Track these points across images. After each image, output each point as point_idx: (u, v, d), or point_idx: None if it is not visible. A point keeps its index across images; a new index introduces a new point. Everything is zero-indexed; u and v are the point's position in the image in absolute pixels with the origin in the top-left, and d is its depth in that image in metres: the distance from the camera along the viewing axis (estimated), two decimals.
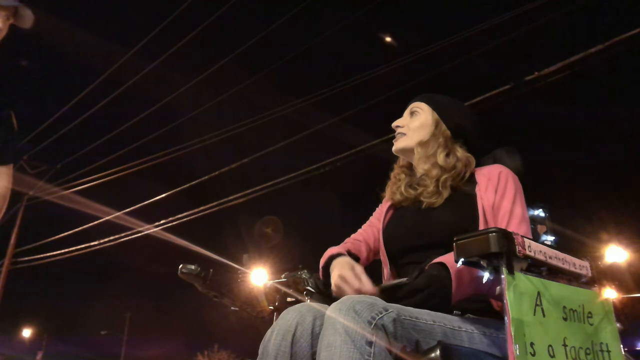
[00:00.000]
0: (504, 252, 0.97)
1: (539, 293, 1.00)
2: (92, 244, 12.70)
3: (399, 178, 1.64)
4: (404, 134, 1.64)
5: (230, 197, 9.96)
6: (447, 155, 1.55)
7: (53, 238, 13.86)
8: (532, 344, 0.93)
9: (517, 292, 0.95)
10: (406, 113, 1.68)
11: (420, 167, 1.59)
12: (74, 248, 13.24)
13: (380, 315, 1.07)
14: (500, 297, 0.95)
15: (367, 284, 1.34)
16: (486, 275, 0.99)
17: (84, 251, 13.01)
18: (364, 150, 7.98)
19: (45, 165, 14.24)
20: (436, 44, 7.49)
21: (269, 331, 1.26)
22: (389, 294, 1.34)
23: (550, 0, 6.48)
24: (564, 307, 1.05)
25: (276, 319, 1.30)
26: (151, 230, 11.37)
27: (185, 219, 10.74)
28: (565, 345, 1.01)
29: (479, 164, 1.60)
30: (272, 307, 1.71)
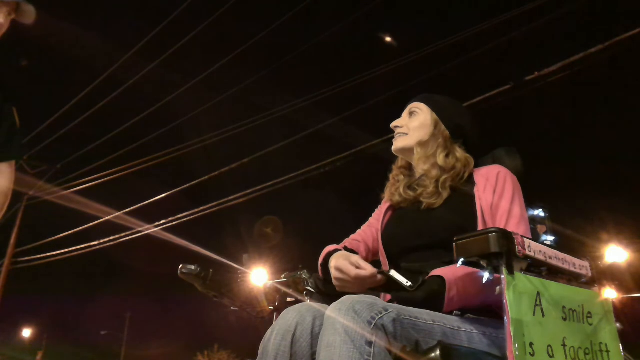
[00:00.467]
0: (503, 252, 0.97)
1: (538, 293, 1.00)
2: (92, 244, 12.71)
3: (398, 179, 1.64)
4: (404, 134, 1.64)
5: (230, 197, 9.96)
6: (447, 155, 1.55)
7: (53, 238, 13.87)
8: (531, 344, 0.94)
9: (516, 292, 0.96)
10: (405, 113, 1.67)
11: (420, 168, 1.59)
12: (74, 248, 13.25)
13: (380, 316, 1.07)
14: (500, 297, 0.95)
15: (366, 267, 1.34)
16: (486, 275, 0.99)
17: (84, 251, 13.03)
18: (364, 150, 7.98)
19: (45, 165, 14.24)
20: (436, 44, 7.50)
21: (269, 331, 1.26)
22: (387, 287, 1.36)
23: (550, 0, 6.48)
24: (564, 307, 1.05)
25: (276, 319, 1.30)
26: (151, 230, 11.38)
27: (185, 219, 10.74)
28: (564, 345, 1.01)
29: (478, 165, 1.60)
30: (272, 307, 1.71)
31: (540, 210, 1.65)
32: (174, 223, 10.83)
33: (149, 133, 11.26)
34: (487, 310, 1.31)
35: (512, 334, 0.91)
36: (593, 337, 1.09)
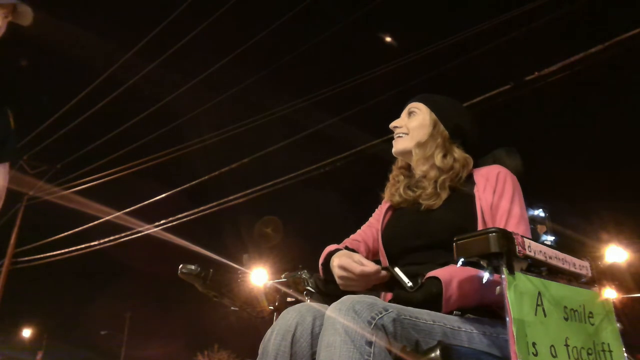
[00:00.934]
0: (504, 252, 0.96)
1: (539, 293, 1.00)
2: (92, 244, 12.72)
3: (398, 180, 1.64)
4: (404, 135, 1.63)
5: (230, 197, 9.97)
6: (445, 156, 1.54)
7: (53, 238, 13.87)
8: (534, 344, 0.93)
9: (517, 292, 0.95)
10: (404, 113, 1.67)
11: (419, 169, 1.59)
12: (74, 248, 13.25)
13: (380, 316, 1.07)
14: (500, 297, 0.95)
15: (369, 264, 1.36)
16: (486, 275, 0.99)
17: (84, 251, 13.03)
18: (364, 150, 7.99)
19: (45, 165, 14.25)
20: (436, 44, 7.50)
21: (269, 331, 1.26)
22: (390, 284, 1.38)
23: (550, 0, 6.48)
24: (565, 307, 1.05)
25: (276, 319, 1.30)
26: (151, 230, 11.38)
27: (185, 219, 10.75)
28: (567, 345, 1.00)
29: (479, 165, 1.60)
30: (272, 307, 1.71)
31: (540, 210, 1.65)
32: (174, 223, 10.85)
33: (149, 133, 11.27)
34: (487, 310, 1.31)
35: (514, 334, 0.91)
36: (595, 337, 1.09)
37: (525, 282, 0.98)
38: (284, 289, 1.68)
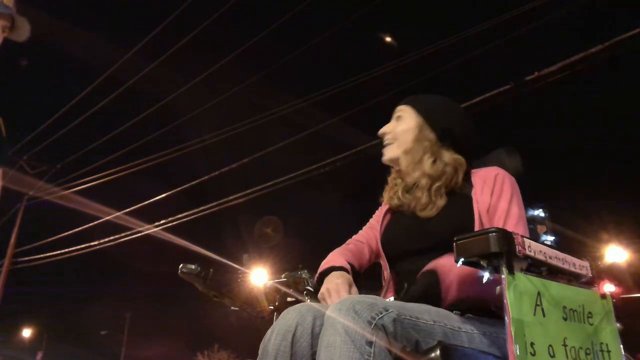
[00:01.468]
0: (504, 252, 0.97)
1: (539, 293, 1.00)
2: (92, 244, 12.72)
3: (396, 182, 1.61)
4: (390, 143, 1.60)
5: (230, 197, 9.97)
6: (434, 162, 1.50)
7: (53, 238, 13.89)
8: (532, 344, 0.94)
9: (517, 292, 0.96)
10: (393, 118, 1.64)
11: (410, 176, 1.55)
12: (74, 248, 13.26)
13: (380, 316, 1.07)
14: (500, 297, 0.95)
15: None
16: (486, 275, 0.99)
17: (84, 251, 13.04)
18: (364, 150, 7.99)
19: (45, 165, 14.26)
20: (436, 44, 7.50)
21: (269, 331, 1.26)
22: None
23: (550, 0, 6.48)
24: (564, 307, 1.05)
25: (276, 319, 1.30)
26: (151, 230, 11.38)
27: (185, 219, 10.75)
28: (565, 345, 1.01)
29: (477, 165, 1.59)
30: (272, 307, 1.71)
31: (540, 210, 1.65)
32: (174, 223, 10.85)
33: (149, 133, 11.27)
34: (487, 311, 1.31)
35: (512, 334, 0.91)
36: (594, 337, 1.09)
37: (525, 282, 0.98)
38: (284, 289, 1.68)
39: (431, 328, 1.16)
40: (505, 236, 0.98)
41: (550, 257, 1.05)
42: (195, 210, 10.60)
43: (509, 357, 0.90)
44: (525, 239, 1.00)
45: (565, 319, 1.04)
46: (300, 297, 1.62)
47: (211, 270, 1.67)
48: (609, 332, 1.12)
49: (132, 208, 11.33)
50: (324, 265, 1.54)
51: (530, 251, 1.00)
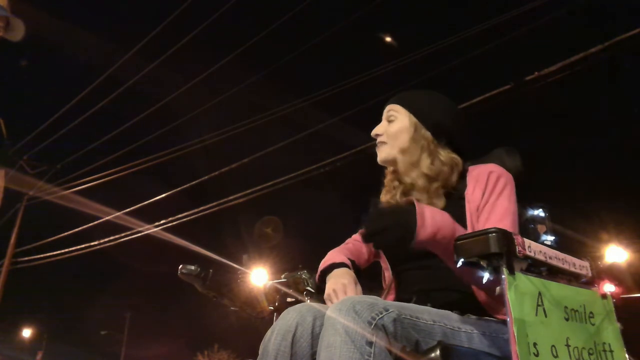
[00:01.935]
0: (503, 252, 0.97)
1: (540, 293, 1.00)
2: (92, 244, 12.72)
3: (393, 185, 1.57)
4: (385, 143, 1.56)
5: (230, 197, 9.97)
6: (432, 162, 1.46)
7: (53, 238, 13.88)
8: (535, 344, 0.93)
9: (518, 292, 0.95)
10: (384, 118, 1.59)
11: (407, 177, 1.52)
12: (74, 248, 13.26)
13: (381, 316, 1.07)
14: (500, 298, 0.95)
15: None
16: (486, 276, 0.99)
17: (84, 251, 13.03)
18: (364, 150, 7.99)
19: (45, 165, 14.25)
20: (436, 44, 7.49)
21: (269, 331, 1.26)
22: None
23: (550, 0, 6.49)
24: (565, 307, 1.05)
25: (276, 319, 1.30)
26: (151, 230, 11.38)
27: (185, 219, 10.75)
28: (568, 346, 1.01)
29: (475, 163, 1.57)
30: (272, 307, 1.71)
31: (540, 210, 1.64)
32: (174, 223, 10.84)
33: (149, 133, 11.27)
34: (487, 311, 1.31)
35: (515, 334, 0.91)
36: (596, 337, 1.09)
37: (526, 282, 0.98)
38: (284, 289, 1.68)
39: (431, 328, 1.16)
40: (505, 236, 0.98)
41: (550, 257, 1.05)
42: (195, 210, 10.60)
43: (512, 358, 0.90)
44: (525, 239, 1.00)
45: (567, 319, 1.04)
46: (300, 298, 1.62)
47: (211, 270, 1.67)
48: (611, 332, 1.12)
49: (132, 208, 11.33)
50: (324, 263, 1.53)
51: (530, 251, 1.00)
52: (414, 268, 1.45)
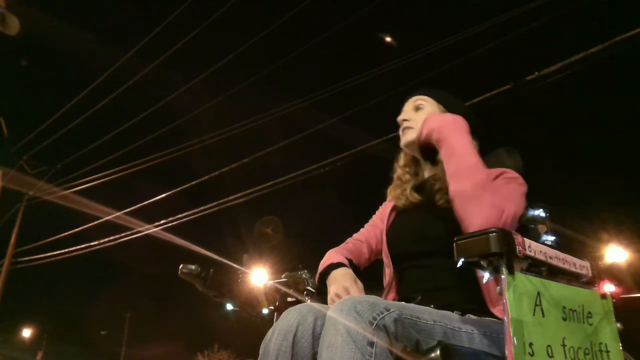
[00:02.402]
0: (504, 252, 0.97)
1: (538, 293, 1.00)
2: (92, 244, 12.70)
3: (404, 180, 1.58)
4: (412, 128, 1.54)
5: (230, 197, 9.97)
6: None
7: (53, 238, 13.87)
8: (530, 344, 0.94)
9: (517, 292, 0.96)
10: (409, 108, 1.59)
11: (429, 166, 1.53)
12: (74, 248, 13.24)
13: (382, 316, 1.07)
14: (500, 297, 0.95)
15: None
16: (486, 276, 0.99)
17: (84, 251, 13.02)
18: (364, 150, 7.99)
19: (45, 165, 14.24)
20: (436, 43, 7.49)
21: (270, 331, 1.26)
22: None
23: (550, 0, 6.48)
24: (564, 307, 1.05)
25: (276, 319, 1.30)
26: (151, 230, 11.37)
27: (185, 219, 10.75)
28: (564, 346, 1.01)
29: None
30: (272, 307, 1.71)
31: (540, 210, 1.64)
32: (174, 223, 10.84)
33: (149, 133, 11.27)
34: (487, 311, 1.31)
35: (511, 334, 0.91)
36: (593, 337, 1.09)
37: (525, 282, 0.98)
38: (284, 289, 1.68)
39: (431, 328, 1.16)
40: (506, 236, 0.98)
41: (550, 257, 1.05)
42: (195, 210, 10.59)
43: (507, 357, 0.90)
44: (525, 239, 1.01)
45: (564, 319, 1.04)
46: (300, 297, 1.62)
47: (211, 270, 1.67)
48: (609, 332, 1.13)
49: (132, 208, 11.32)
50: (323, 264, 1.53)
51: (530, 251, 1.00)
52: (415, 267, 1.45)
